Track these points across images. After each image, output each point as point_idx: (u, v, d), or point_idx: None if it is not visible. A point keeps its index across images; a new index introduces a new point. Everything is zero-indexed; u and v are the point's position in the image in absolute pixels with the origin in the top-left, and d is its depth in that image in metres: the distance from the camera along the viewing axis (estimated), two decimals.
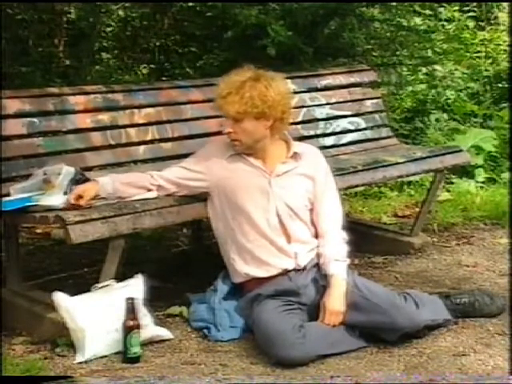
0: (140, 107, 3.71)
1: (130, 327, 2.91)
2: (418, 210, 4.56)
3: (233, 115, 3.05)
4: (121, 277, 3.10)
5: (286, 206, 3.15)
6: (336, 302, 3.04)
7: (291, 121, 3.36)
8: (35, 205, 3.02)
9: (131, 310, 2.93)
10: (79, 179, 3.16)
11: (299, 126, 4.17)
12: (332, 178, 3.31)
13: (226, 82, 3.10)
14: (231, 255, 3.19)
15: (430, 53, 6.51)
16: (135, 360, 2.90)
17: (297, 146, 3.22)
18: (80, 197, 3.02)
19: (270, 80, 3.09)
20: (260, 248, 3.13)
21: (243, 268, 3.16)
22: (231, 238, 3.17)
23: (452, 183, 5.72)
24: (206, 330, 3.16)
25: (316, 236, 3.23)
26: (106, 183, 3.13)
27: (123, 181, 3.18)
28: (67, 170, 3.15)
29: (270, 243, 3.13)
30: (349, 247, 3.21)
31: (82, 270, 4.00)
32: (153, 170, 3.45)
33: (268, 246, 3.13)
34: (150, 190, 3.20)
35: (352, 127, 4.46)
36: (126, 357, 2.90)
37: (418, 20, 6.89)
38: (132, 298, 2.94)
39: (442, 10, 7.99)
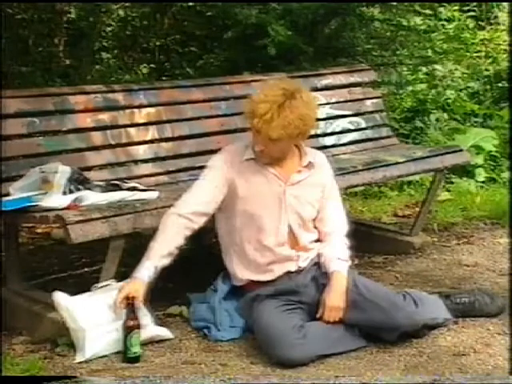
0: (140, 107, 3.71)
1: (131, 327, 2.91)
2: (418, 209, 4.56)
3: (275, 138, 2.96)
4: (121, 276, 3.10)
5: (298, 216, 3.14)
6: (336, 297, 3.04)
7: None
8: (35, 205, 3.02)
9: (131, 310, 2.93)
10: (77, 178, 3.15)
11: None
12: (335, 183, 3.30)
13: (263, 101, 2.95)
14: (234, 260, 3.18)
15: (430, 52, 6.52)
16: (135, 360, 2.90)
17: (309, 154, 3.18)
18: (133, 297, 2.91)
19: (302, 94, 3.00)
20: (265, 257, 3.12)
21: (245, 274, 3.16)
22: (235, 242, 3.16)
23: (452, 183, 5.72)
24: (206, 330, 3.16)
25: (318, 241, 3.23)
26: (148, 270, 2.97)
27: (163, 252, 3.00)
28: (63, 169, 3.14)
29: (275, 252, 3.12)
30: (349, 249, 3.21)
31: (81, 269, 4.00)
32: (154, 169, 3.47)
33: (273, 255, 3.12)
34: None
35: (352, 127, 4.46)
36: (126, 357, 2.90)
37: (418, 20, 6.90)
38: (133, 298, 2.94)
39: (442, 9, 8.01)
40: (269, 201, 3.11)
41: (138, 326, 2.92)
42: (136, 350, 2.90)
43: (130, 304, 2.92)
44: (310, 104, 3.04)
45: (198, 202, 3.08)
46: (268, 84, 3.12)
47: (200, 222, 3.07)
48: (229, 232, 3.18)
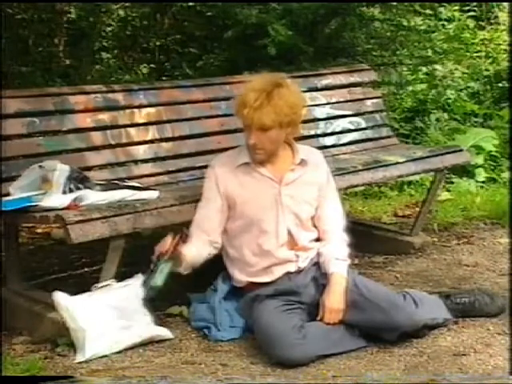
0: (140, 107, 3.71)
1: (164, 253, 2.86)
2: (418, 209, 4.56)
3: (267, 125, 2.97)
4: (121, 276, 3.10)
5: (294, 216, 3.14)
6: (335, 299, 3.04)
7: None
8: (35, 205, 3.02)
9: (178, 240, 2.87)
10: (76, 177, 3.15)
11: (299, 126, 4.17)
12: (332, 180, 3.31)
13: (251, 90, 2.99)
14: (233, 263, 3.19)
15: (430, 52, 6.52)
16: (154, 291, 2.86)
17: (302, 152, 3.19)
18: (177, 245, 2.93)
19: (288, 84, 3.05)
20: (264, 261, 3.12)
21: (244, 277, 3.17)
22: (235, 247, 3.16)
23: (452, 183, 5.72)
24: (206, 330, 3.16)
25: (317, 239, 3.24)
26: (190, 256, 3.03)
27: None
28: (61, 167, 3.14)
29: (275, 255, 3.12)
30: (349, 248, 3.22)
31: (82, 269, 4.00)
32: (154, 169, 3.48)
33: (273, 258, 3.12)
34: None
35: (352, 127, 4.45)
36: (147, 286, 2.85)
37: (418, 20, 6.89)
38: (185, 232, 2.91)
39: (442, 9, 8.00)
40: (265, 204, 3.11)
41: (174, 257, 2.87)
42: (161, 279, 2.84)
43: (175, 239, 2.88)
44: (297, 94, 3.08)
45: (214, 225, 3.13)
46: (253, 79, 3.14)
47: (218, 239, 3.16)
48: (228, 237, 3.18)
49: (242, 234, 3.14)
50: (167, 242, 2.92)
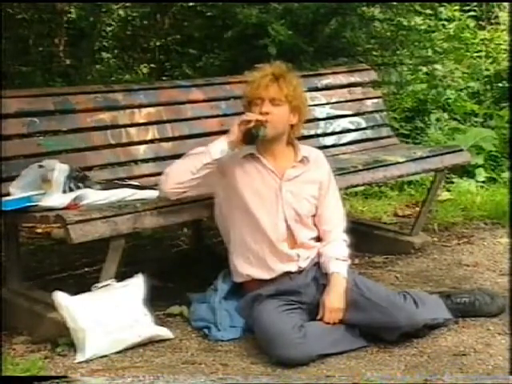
0: (140, 107, 3.71)
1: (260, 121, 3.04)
2: (418, 209, 4.56)
3: (282, 98, 3.06)
4: (121, 276, 3.10)
5: (294, 212, 3.15)
6: (335, 299, 3.05)
7: None
8: (35, 205, 3.02)
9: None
10: (76, 176, 3.15)
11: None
12: (334, 180, 3.31)
13: (268, 68, 3.12)
14: (235, 256, 3.19)
15: (430, 52, 6.52)
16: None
17: (304, 150, 3.21)
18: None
19: (291, 75, 3.16)
20: (265, 251, 3.13)
21: (246, 269, 3.16)
22: (237, 237, 3.16)
23: (452, 183, 5.72)
24: (206, 330, 3.16)
25: (318, 239, 3.24)
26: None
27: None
28: (61, 166, 3.14)
29: (275, 248, 3.12)
30: (349, 248, 3.22)
31: (82, 269, 4.00)
32: (154, 169, 3.48)
33: (273, 252, 3.13)
34: None
35: (352, 127, 4.46)
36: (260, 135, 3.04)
37: (418, 19, 6.89)
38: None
39: (442, 9, 8.00)
40: (265, 197, 3.12)
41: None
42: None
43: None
44: (301, 86, 3.20)
45: None
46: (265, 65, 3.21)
47: None
48: (229, 226, 3.19)
49: (242, 224, 3.14)
50: (252, 115, 3.06)
